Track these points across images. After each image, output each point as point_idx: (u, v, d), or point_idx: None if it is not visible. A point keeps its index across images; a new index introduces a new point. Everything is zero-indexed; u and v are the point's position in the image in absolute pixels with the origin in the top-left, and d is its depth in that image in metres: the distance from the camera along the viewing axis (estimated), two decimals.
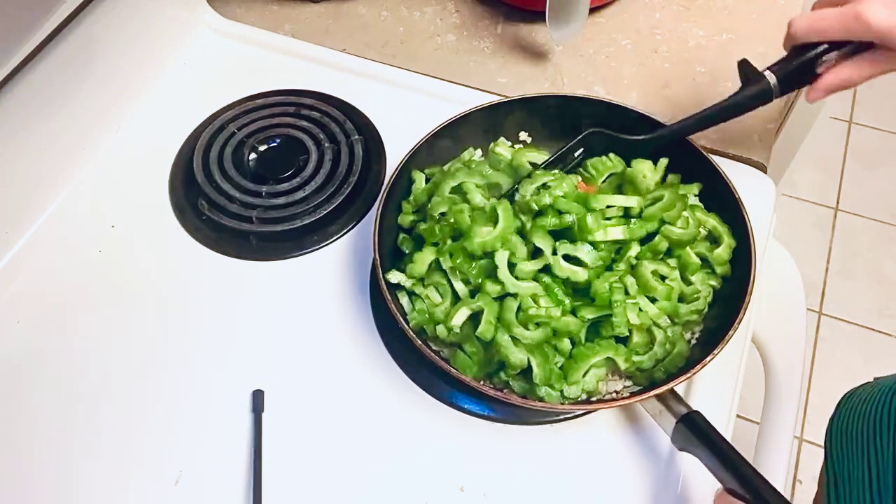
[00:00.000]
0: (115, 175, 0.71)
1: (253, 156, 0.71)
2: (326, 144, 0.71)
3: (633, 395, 0.51)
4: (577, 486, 0.54)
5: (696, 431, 0.48)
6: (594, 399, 0.54)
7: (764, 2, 0.81)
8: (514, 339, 0.53)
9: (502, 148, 0.65)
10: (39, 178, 0.67)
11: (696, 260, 0.57)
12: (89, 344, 0.61)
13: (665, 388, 0.50)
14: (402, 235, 0.60)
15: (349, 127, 0.72)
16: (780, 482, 0.58)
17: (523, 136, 0.68)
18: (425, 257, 0.56)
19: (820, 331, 1.58)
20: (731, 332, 0.51)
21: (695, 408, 0.55)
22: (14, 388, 0.59)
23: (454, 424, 0.56)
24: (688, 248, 0.57)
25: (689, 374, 0.50)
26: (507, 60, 0.78)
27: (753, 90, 0.57)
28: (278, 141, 0.71)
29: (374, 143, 0.72)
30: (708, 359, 0.50)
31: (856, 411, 0.71)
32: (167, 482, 0.54)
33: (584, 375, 0.53)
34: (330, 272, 0.64)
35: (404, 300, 0.57)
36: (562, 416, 0.56)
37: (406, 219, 0.61)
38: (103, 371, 0.60)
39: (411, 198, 0.62)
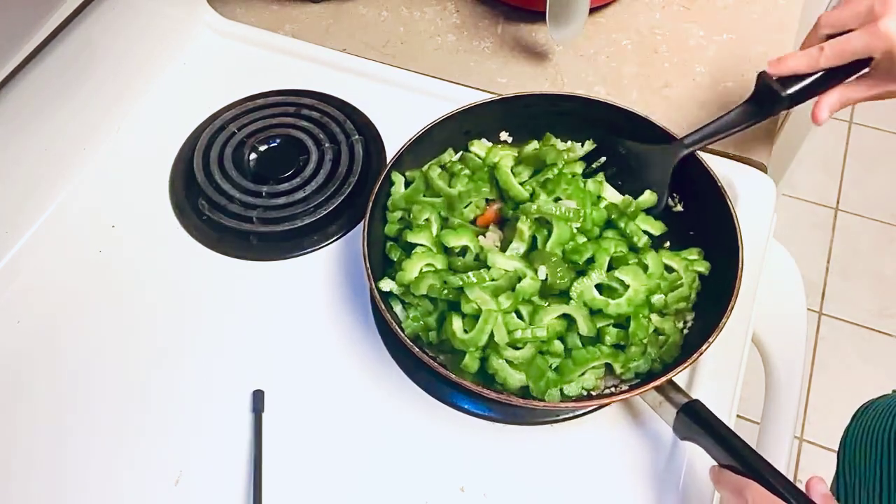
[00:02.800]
0: (116, 175, 0.71)
1: (253, 156, 0.71)
2: (326, 144, 0.71)
3: (632, 388, 0.51)
4: (578, 486, 0.54)
5: (698, 420, 0.49)
6: (594, 395, 0.54)
7: (764, 2, 0.82)
8: (509, 361, 0.53)
9: (478, 147, 0.65)
10: (39, 178, 0.67)
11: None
12: (89, 344, 0.61)
13: (664, 378, 0.50)
14: (389, 244, 0.60)
15: (349, 127, 0.72)
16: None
17: (504, 135, 0.68)
18: (414, 264, 0.56)
19: (820, 331, 1.58)
20: (724, 319, 0.51)
21: None
22: (14, 388, 0.59)
23: (454, 424, 0.56)
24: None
25: (686, 364, 0.50)
26: (507, 60, 0.78)
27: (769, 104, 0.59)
28: (278, 141, 0.71)
29: (374, 143, 0.72)
30: (704, 347, 0.50)
31: (871, 423, 0.70)
32: (167, 482, 0.54)
33: (581, 374, 0.53)
34: (330, 272, 0.64)
35: (398, 307, 0.57)
36: (562, 416, 0.56)
37: (392, 228, 0.60)
38: (103, 371, 0.60)
39: (389, 202, 0.61)
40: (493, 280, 0.55)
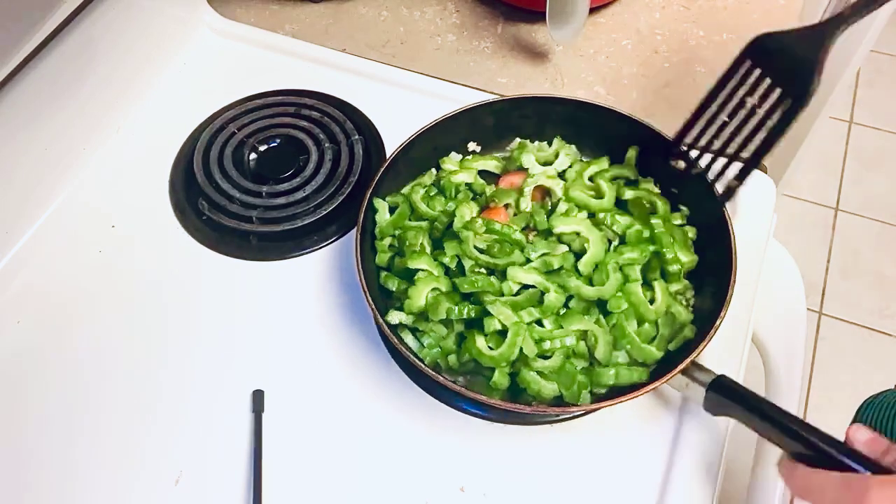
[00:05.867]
0: (116, 175, 0.71)
1: (253, 156, 0.71)
2: (326, 144, 0.71)
3: (658, 377, 0.51)
4: (577, 485, 0.53)
5: (728, 393, 0.49)
6: (624, 389, 0.53)
7: (764, 2, 0.82)
8: (540, 372, 0.52)
9: (450, 163, 0.65)
10: (40, 178, 0.67)
11: None
12: (90, 344, 0.61)
13: (687, 361, 0.50)
14: (383, 274, 0.58)
15: (349, 127, 0.72)
16: (780, 482, 0.58)
17: (472, 146, 0.68)
18: (420, 290, 0.55)
19: (820, 331, 1.58)
20: (730, 292, 0.52)
21: (696, 409, 0.55)
22: (15, 388, 0.59)
23: (454, 424, 0.56)
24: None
25: (706, 342, 0.51)
26: (507, 60, 0.78)
27: None
28: (278, 141, 0.71)
29: (374, 143, 0.72)
30: (718, 322, 0.52)
31: (875, 419, 0.70)
32: (167, 482, 0.54)
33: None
34: (330, 272, 0.64)
35: (408, 338, 0.56)
36: (562, 416, 0.56)
37: (383, 257, 0.59)
38: (103, 371, 0.60)
39: (377, 230, 0.60)
40: (513, 295, 0.55)
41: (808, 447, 0.43)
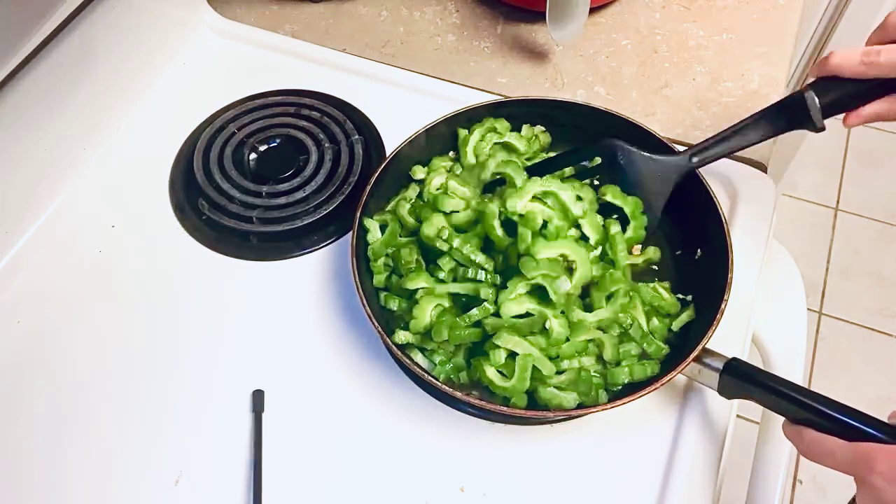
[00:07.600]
0: (116, 175, 0.71)
1: (253, 156, 0.71)
2: (326, 144, 0.71)
3: (672, 369, 0.51)
4: (577, 485, 0.53)
5: (742, 376, 0.49)
6: (640, 384, 0.54)
7: (764, 2, 0.82)
8: (558, 387, 0.52)
9: (420, 172, 0.65)
10: (40, 177, 0.67)
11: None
12: (89, 344, 0.61)
13: (699, 347, 0.51)
14: (383, 294, 0.58)
15: (349, 127, 0.72)
16: (779, 482, 0.58)
17: (453, 154, 0.67)
18: (424, 309, 0.55)
19: (820, 331, 1.58)
20: (730, 276, 0.53)
21: (696, 409, 0.55)
22: (14, 388, 0.59)
23: (454, 424, 0.56)
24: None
25: (714, 326, 0.52)
26: (507, 60, 0.78)
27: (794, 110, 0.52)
28: (278, 141, 0.72)
29: (374, 143, 0.72)
30: (723, 306, 0.52)
31: None
32: (167, 482, 0.54)
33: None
34: (330, 272, 0.64)
35: (418, 357, 0.55)
36: (560, 417, 0.56)
37: (380, 279, 0.59)
38: (103, 371, 0.60)
39: (370, 252, 0.60)
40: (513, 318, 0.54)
41: (830, 421, 0.44)
